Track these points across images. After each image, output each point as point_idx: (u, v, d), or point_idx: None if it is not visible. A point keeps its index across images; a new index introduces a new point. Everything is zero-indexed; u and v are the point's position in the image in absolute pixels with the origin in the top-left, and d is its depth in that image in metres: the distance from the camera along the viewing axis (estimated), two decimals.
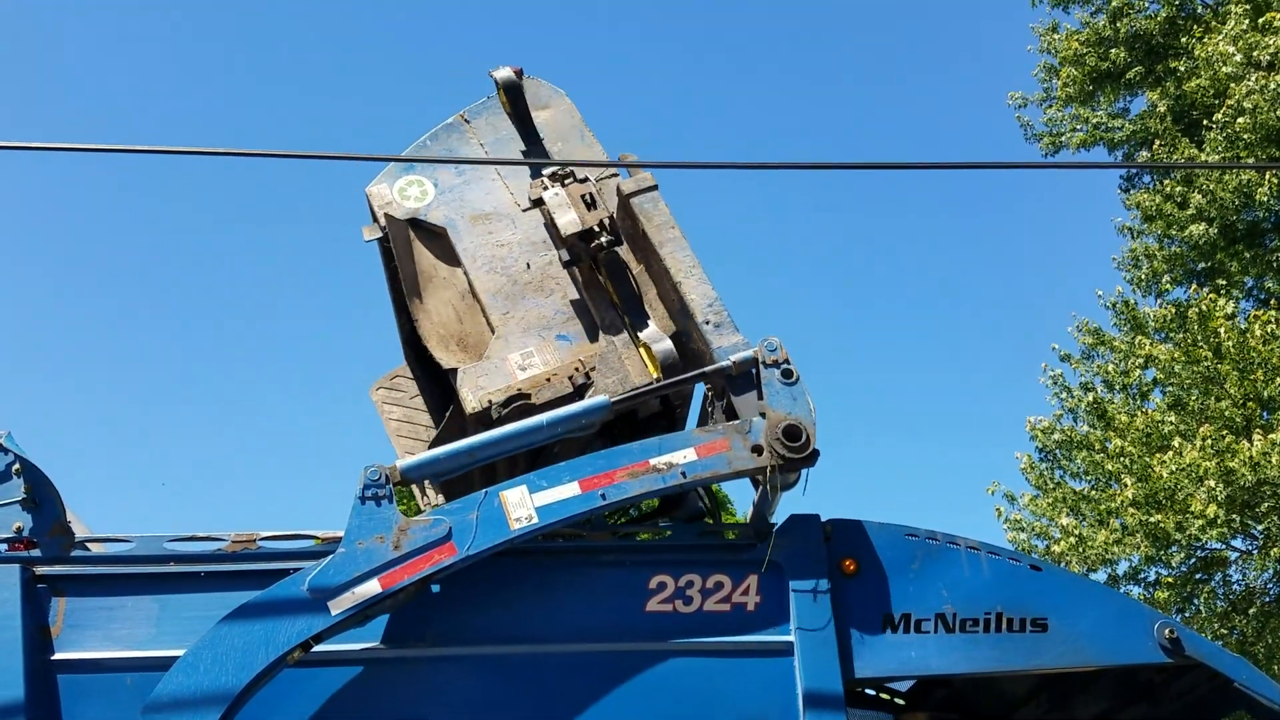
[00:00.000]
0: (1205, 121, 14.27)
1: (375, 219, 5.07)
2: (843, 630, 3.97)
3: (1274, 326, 12.85)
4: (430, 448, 4.59)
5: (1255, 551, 13.57)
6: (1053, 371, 15.58)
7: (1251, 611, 14.11)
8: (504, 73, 5.16)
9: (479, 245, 4.94)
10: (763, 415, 4.13)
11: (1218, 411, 12.89)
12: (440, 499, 4.97)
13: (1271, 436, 12.04)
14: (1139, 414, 13.92)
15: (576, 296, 4.81)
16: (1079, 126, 17.41)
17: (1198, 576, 14.35)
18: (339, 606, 3.71)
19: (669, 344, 4.48)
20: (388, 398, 5.58)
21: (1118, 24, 16.42)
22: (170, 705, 3.61)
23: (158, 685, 3.65)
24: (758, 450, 4.07)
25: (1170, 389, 14.06)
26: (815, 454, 4.08)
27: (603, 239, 4.65)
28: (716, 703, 3.93)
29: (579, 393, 4.48)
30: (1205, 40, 14.33)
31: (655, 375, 4.46)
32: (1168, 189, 15.06)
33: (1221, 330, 12.89)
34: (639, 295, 4.77)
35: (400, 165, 5.13)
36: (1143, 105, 16.92)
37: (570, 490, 3.96)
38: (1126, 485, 12.96)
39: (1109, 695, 4.86)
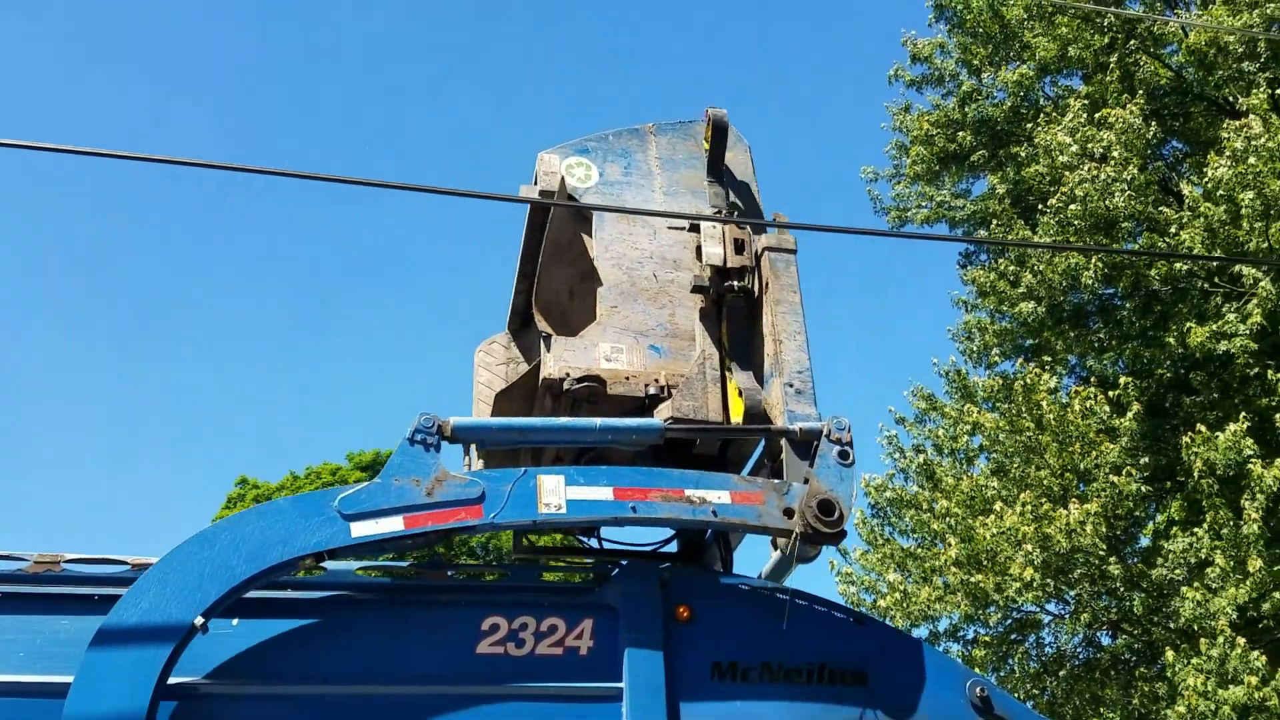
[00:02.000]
0: (1040, 206, 15.18)
1: (535, 181, 5.18)
2: (672, 678, 3.98)
3: (1092, 403, 13.70)
4: (493, 408, 4.96)
5: (1067, 616, 14.31)
6: (889, 432, 16.21)
7: (1062, 674, 14.85)
8: (719, 112, 5.39)
9: (615, 240, 5.09)
10: (805, 482, 4.27)
11: (1037, 480, 13.63)
12: (480, 466, 4.93)
13: (1086, 506, 12.79)
14: (965, 477, 14.60)
15: (685, 318, 4.97)
16: (924, 203, 18.30)
17: (1013, 637, 15.04)
18: (360, 530, 3.81)
19: (760, 395, 4.63)
20: (482, 360, 5.61)
21: (966, 109, 17.38)
22: (178, 570, 3.67)
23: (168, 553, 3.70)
24: (789, 513, 4.21)
25: (995, 455, 14.81)
26: (843, 534, 4.26)
27: (735, 283, 4.88)
28: None
29: (649, 402, 4.64)
30: (1045, 130, 15.28)
31: (734, 419, 4.60)
32: (1002, 267, 15.94)
33: (1044, 403, 13.67)
34: (748, 342, 4.91)
35: (575, 144, 5.31)
36: (984, 187, 17.94)
37: (604, 494, 4.07)
38: (950, 545, 13.51)
39: None
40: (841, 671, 4.23)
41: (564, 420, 4.42)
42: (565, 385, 4.58)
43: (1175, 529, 13.31)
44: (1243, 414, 12.86)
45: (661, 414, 4.57)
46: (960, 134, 17.29)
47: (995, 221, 16.21)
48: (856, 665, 4.25)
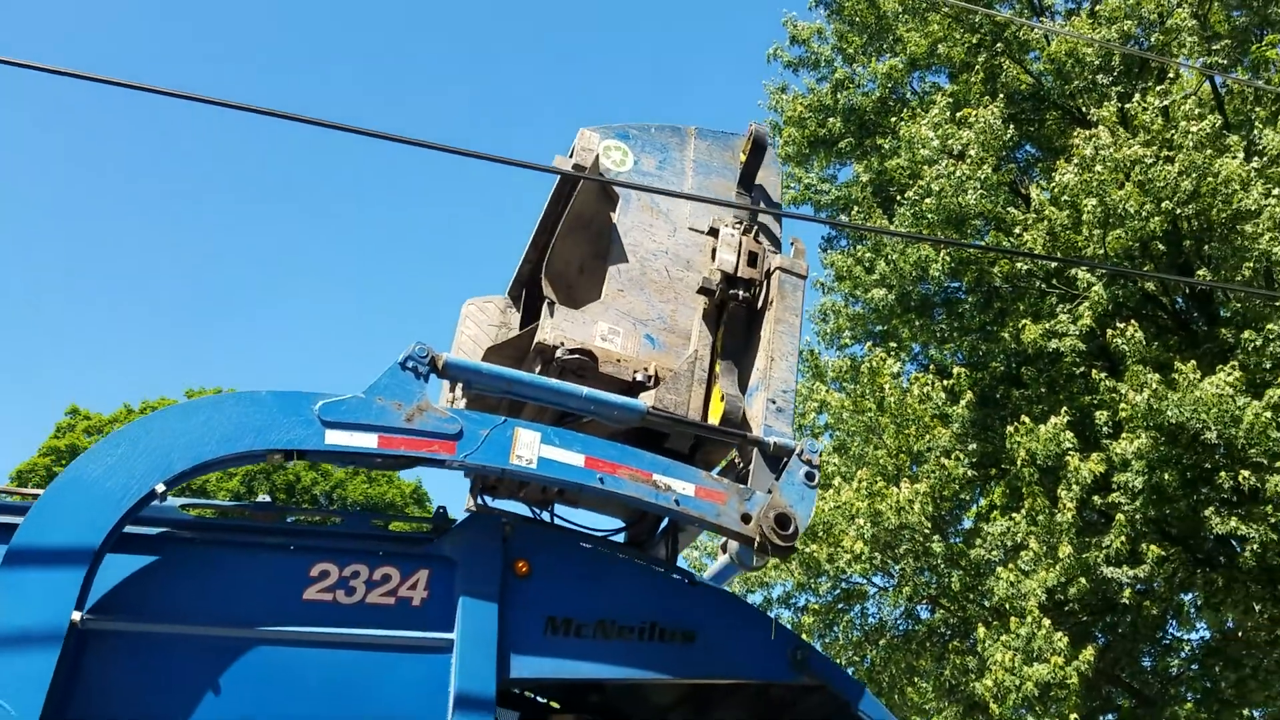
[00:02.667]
0: (899, 197, 15.70)
1: (571, 154, 5.27)
2: (505, 631, 3.99)
3: (929, 390, 14.32)
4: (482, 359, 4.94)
5: (891, 589, 15.00)
6: None
7: (881, 643, 15.59)
8: (761, 129, 5.57)
9: (636, 228, 5.17)
10: (768, 493, 4.39)
11: (875, 459, 14.20)
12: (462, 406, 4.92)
13: (916, 486, 13.39)
14: None
15: (685, 317, 5.07)
16: (792, 184, 18.68)
17: (840, 606, 15.69)
18: (333, 439, 3.88)
19: (741, 403, 4.72)
20: (471, 314, 5.58)
21: (838, 95, 17.76)
22: (155, 433, 3.74)
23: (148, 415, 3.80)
24: (746, 519, 4.34)
25: (838, 433, 15.35)
26: (793, 549, 4.37)
27: (742, 293, 5.00)
28: (366, 697, 3.83)
29: (634, 388, 4.71)
30: (909, 124, 15.77)
31: (711, 421, 4.69)
32: (859, 254, 16.44)
33: (886, 387, 14.21)
34: (741, 352, 5.01)
35: (617, 129, 5.39)
36: (850, 174, 18.43)
37: (575, 459, 4.16)
38: None
39: (744, 708, 5.16)
40: (672, 630, 4.32)
41: (553, 381, 4.45)
42: (558, 353, 4.64)
43: (995, 513, 14.09)
44: (1065, 409, 13.67)
45: (644, 401, 4.61)
46: (831, 120, 17.66)
47: (856, 209, 16.68)
48: (687, 624, 4.35)
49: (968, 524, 15.80)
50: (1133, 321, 13.67)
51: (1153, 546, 12.81)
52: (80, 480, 3.65)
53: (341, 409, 3.94)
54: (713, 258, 5.11)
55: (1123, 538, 12.67)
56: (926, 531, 13.75)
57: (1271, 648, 13.39)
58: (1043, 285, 15.12)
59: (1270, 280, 13.89)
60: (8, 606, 3.41)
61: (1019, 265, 14.94)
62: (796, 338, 5.02)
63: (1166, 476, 12.92)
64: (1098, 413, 13.68)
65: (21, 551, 3.49)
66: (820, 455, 4.65)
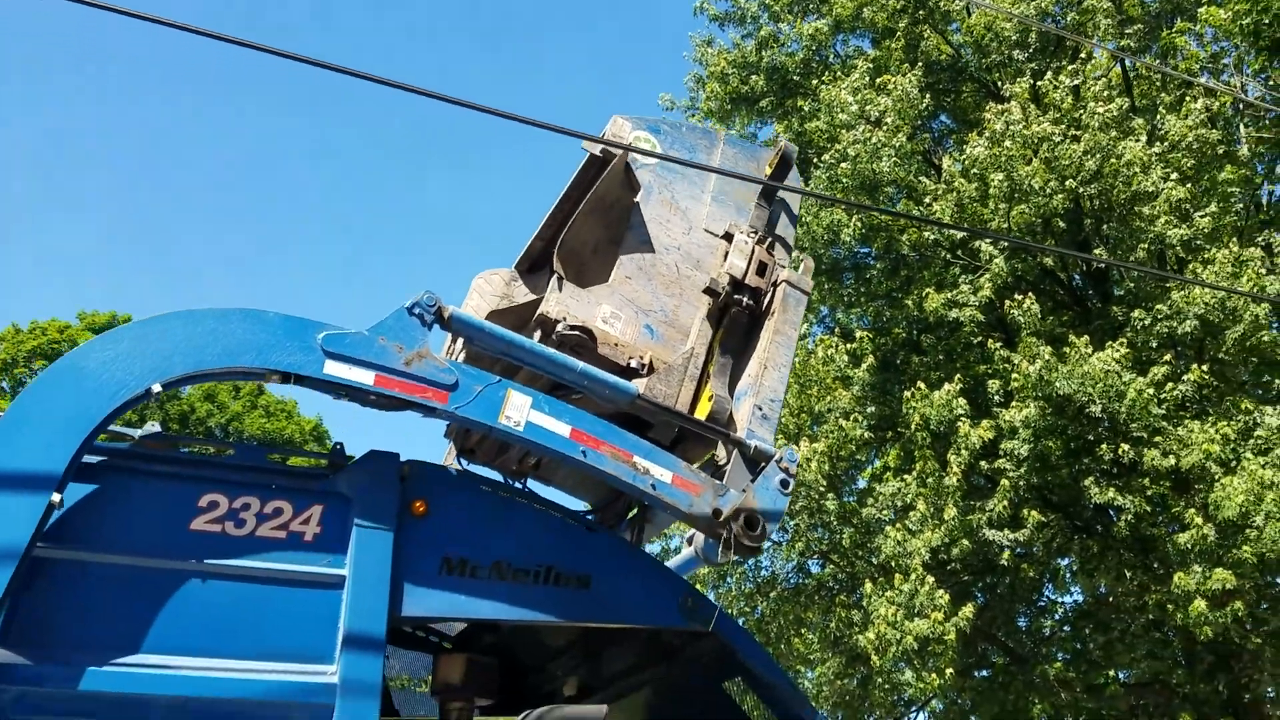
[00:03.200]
0: (815, 160, 15.84)
1: (601, 139, 5.34)
2: (399, 570, 3.96)
3: (833, 352, 14.59)
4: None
5: (784, 543, 15.36)
6: None
7: (772, 595, 15.99)
8: (790, 147, 5.73)
9: (652, 220, 5.26)
10: (742, 493, 4.50)
11: None
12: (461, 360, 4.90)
13: (815, 445, 13.69)
14: None
15: (687, 314, 5.16)
16: None
17: (735, 558, 15.99)
18: (332, 369, 3.94)
19: (729, 404, 4.85)
20: (479, 286, 5.52)
21: (762, 53, 17.76)
22: (158, 334, 3.76)
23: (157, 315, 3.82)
24: (717, 514, 4.47)
25: None
26: (758, 550, 4.51)
27: (746, 299, 5.11)
28: (256, 630, 3.77)
29: (626, 373, 4.77)
30: (830, 87, 15.87)
31: (700, 410, 4.80)
32: None
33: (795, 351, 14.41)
34: (736, 356, 5.11)
35: (650, 121, 5.51)
36: (769, 133, 18.47)
37: (562, 429, 4.25)
38: None
39: (635, 653, 5.26)
40: (568, 574, 4.35)
41: (551, 350, 4.51)
42: (559, 327, 4.72)
43: (889, 474, 14.50)
44: (960, 377, 14.08)
45: (636, 386, 4.68)
46: (754, 78, 17.66)
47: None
48: (582, 570, 4.39)
49: (862, 484, 16.22)
50: (1030, 295, 14.10)
51: (1034, 512, 13.36)
52: (79, 368, 3.65)
53: (344, 342, 4.00)
54: (723, 261, 5.23)
55: (1006, 502, 13.17)
56: (822, 489, 14.10)
57: (1139, 613, 14.11)
58: (948, 256, 15.47)
59: (1163, 262, 14.45)
60: None
61: (926, 234, 15.25)
62: (792, 351, 5.15)
63: (1051, 445, 13.45)
64: (990, 382, 14.12)
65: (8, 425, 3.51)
66: (797, 465, 4.69)
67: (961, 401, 13.48)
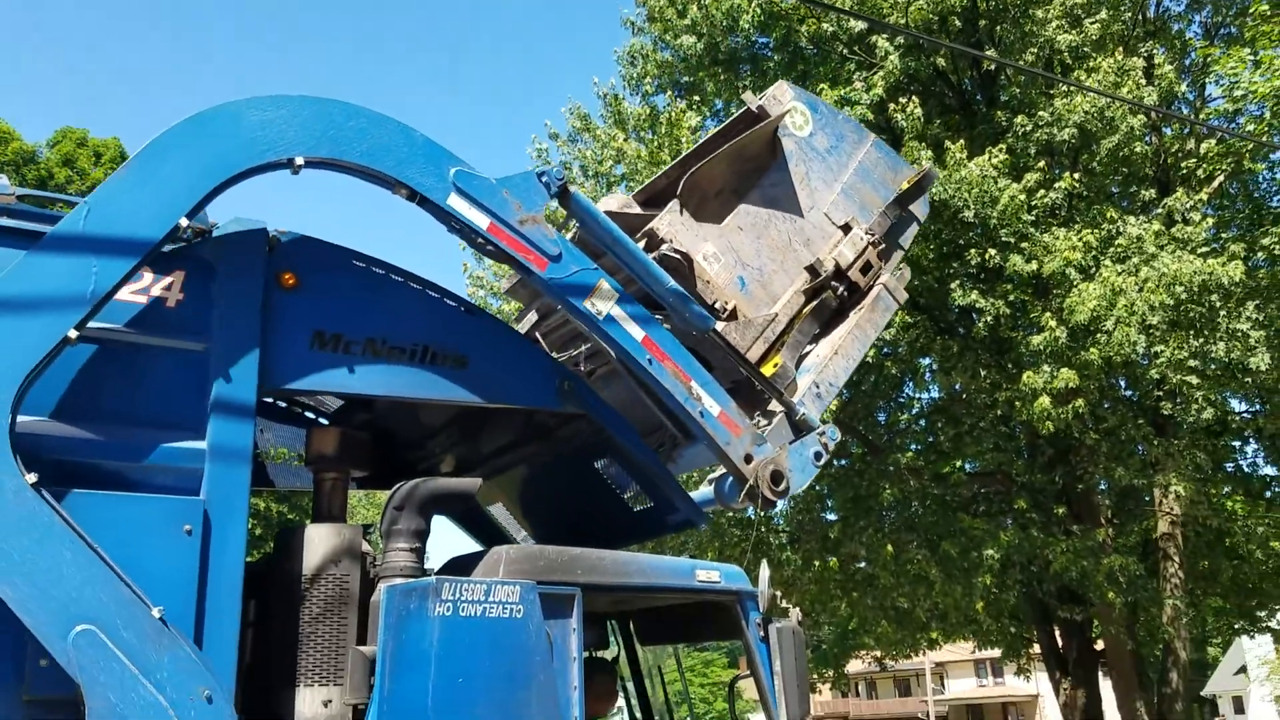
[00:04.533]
0: None
1: (760, 93, 5.71)
2: (267, 340, 3.90)
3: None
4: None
5: None
6: (540, 144, 16.21)
7: None
8: (934, 171, 6.26)
9: (780, 185, 5.54)
10: (777, 450, 4.70)
11: None
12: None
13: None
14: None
15: (781, 283, 5.39)
16: None
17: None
18: (453, 203, 4.13)
19: (792, 374, 5.13)
20: (600, 204, 5.56)
21: None
22: (301, 111, 3.89)
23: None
24: (748, 460, 4.65)
25: (632, 185, 15.39)
26: (773, 505, 4.73)
27: (842, 288, 5.44)
28: (119, 394, 3.71)
29: (709, 311, 4.92)
30: None
31: (764, 371, 5.02)
32: None
33: (684, 140, 14.24)
34: (813, 336, 5.40)
35: (809, 96, 5.81)
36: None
37: (635, 332, 4.44)
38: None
39: (511, 433, 5.38)
40: (444, 354, 4.36)
41: (650, 260, 4.67)
42: (663, 246, 4.95)
43: None
44: None
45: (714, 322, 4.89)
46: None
47: None
48: (460, 350, 4.40)
49: None
50: (914, 99, 14.13)
51: (901, 314, 13.85)
52: (237, 116, 3.77)
53: (472, 182, 4.19)
54: (833, 248, 5.52)
55: None
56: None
57: (989, 409, 15.02)
58: (844, 51, 15.27)
59: (1051, 67, 14.58)
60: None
61: (825, 26, 14.97)
62: (865, 349, 5.49)
63: (922, 250, 13.84)
64: None
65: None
66: (834, 444, 5.02)
67: None
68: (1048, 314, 13.05)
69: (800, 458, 4.91)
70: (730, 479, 4.84)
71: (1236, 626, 21.69)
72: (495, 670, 3.71)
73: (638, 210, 5.64)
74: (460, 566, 4.31)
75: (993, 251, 13.34)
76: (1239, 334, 12.52)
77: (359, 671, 3.84)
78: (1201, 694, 50.20)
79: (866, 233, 5.64)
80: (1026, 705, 62.07)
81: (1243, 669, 48.97)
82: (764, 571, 5.16)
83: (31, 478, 3.21)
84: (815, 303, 5.42)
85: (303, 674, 3.89)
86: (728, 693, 6.50)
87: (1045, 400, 12.49)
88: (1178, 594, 16.64)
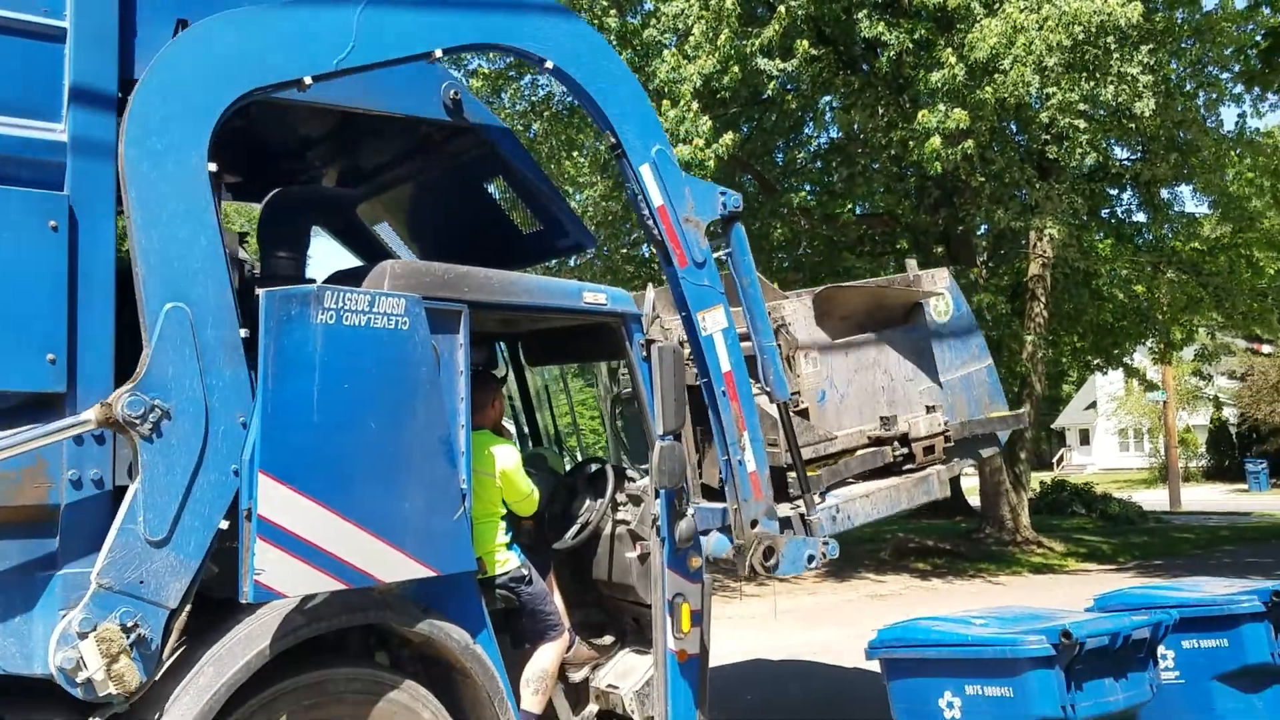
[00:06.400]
0: None
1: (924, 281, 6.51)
2: (126, 28, 3.60)
3: None
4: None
5: None
6: None
7: (546, 115, 16.03)
8: (1023, 419, 6.97)
9: (896, 346, 6.16)
10: (782, 534, 4.82)
11: None
12: None
13: None
14: None
15: (852, 419, 5.87)
16: None
17: (510, 74, 15.77)
18: (643, 172, 4.48)
19: (822, 487, 5.48)
20: None
21: None
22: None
23: None
24: (753, 524, 4.72)
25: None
26: (753, 573, 4.76)
27: (900, 454, 5.96)
28: None
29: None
30: None
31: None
32: None
33: None
34: (856, 475, 5.80)
35: (959, 292, 6.56)
36: None
37: (724, 364, 4.67)
38: None
39: (395, 146, 5.18)
40: None
41: (765, 312, 5.01)
42: (780, 318, 5.57)
43: None
44: None
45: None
46: None
47: None
48: None
49: (649, 5, 15.82)
50: None
51: (805, 43, 13.55)
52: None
53: (667, 164, 4.53)
54: (906, 418, 5.90)
55: (779, 29, 13.23)
56: (604, 6, 13.67)
57: (882, 150, 15.13)
58: None
59: None
60: None
61: None
62: (890, 512, 5.75)
63: None
64: None
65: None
66: (830, 557, 5.06)
67: None
68: (949, 50, 12.93)
69: (796, 550, 4.93)
70: (722, 536, 4.87)
71: (1094, 364, 23.27)
72: (380, 380, 3.72)
73: (774, 287, 6.06)
74: (344, 279, 4.25)
75: None
76: (1129, 78, 12.67)
77: None
78: (1052, 426, 54.66)
79: (945, 424, 6.01)
80: None
81: (1093, 405, 53.25)
82: (649, 294, 5.25)
83: None
84: (872, 450, 5.77)
85: None
86: (610, 409, 6.77)
87: (936, 140, 12.61)
88: (1040, 332, 17.70)
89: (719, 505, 4.99)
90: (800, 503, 5.18)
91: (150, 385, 3.35)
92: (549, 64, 4.26)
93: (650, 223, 4.54)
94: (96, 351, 3.42)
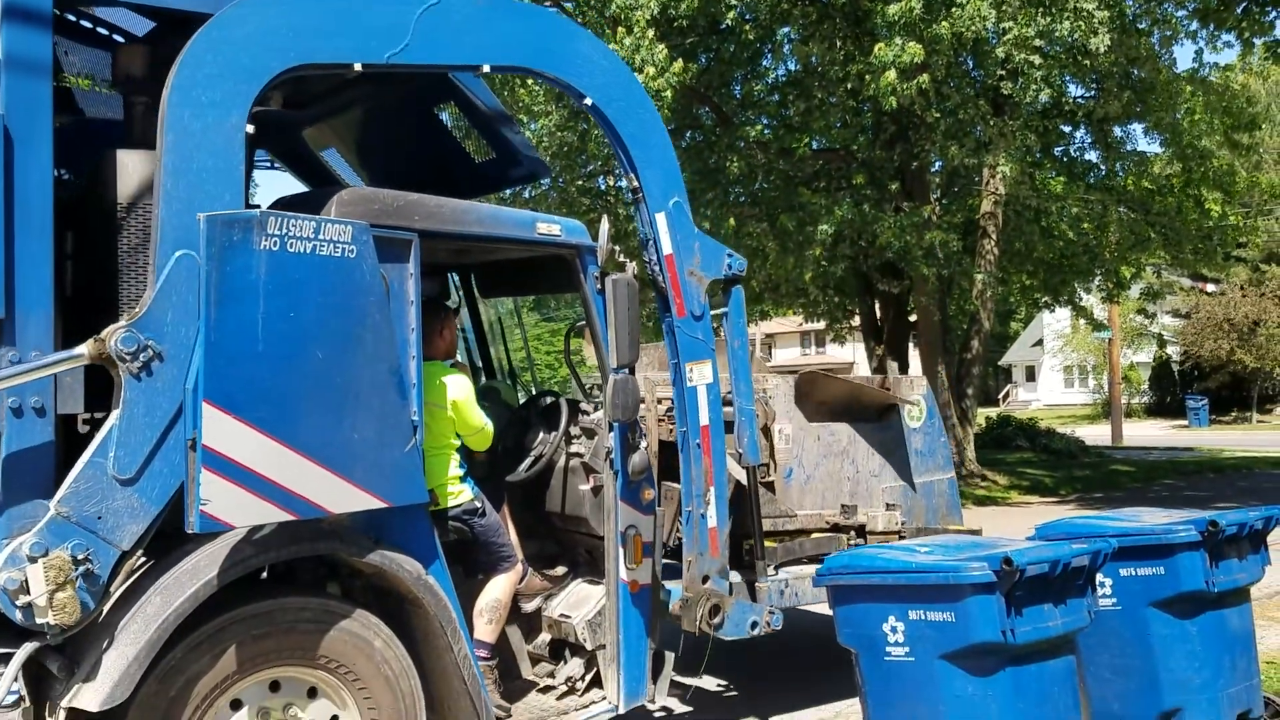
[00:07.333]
0: None
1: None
2: None
3: None
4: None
5: None
6: None
7: None
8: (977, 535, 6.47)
9: (868, 440, 6.39)
10: (732, 594, 5.03)
11: None
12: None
13: None
14: None
15: (815, 502, 6.11)
16: None
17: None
18: (657, 220, 4.69)
19: (779, 561, 5.68)
20: None
21: None
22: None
23: None
24: (705, 579, 4.88)
25: None
26: (693, 630, 4.91)
27: (856, 542, 6.05)
28: None
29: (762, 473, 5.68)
30: None
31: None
32: None
33: None
34: (813, 559, 5.83)
35: (934, 403, 6.85)
36: None
37: (703, 416, 4.82)
38: None
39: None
40: None
41: (751, 378, 5.31)
42: (765, 388, 5.94)
43: None
44: None
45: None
46: None
47: None
48: None
49: None
50: None
51: None
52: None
53: (681, 217, 4.73)
54: (871, 511, 6.17)
55: None
56: None
57: (839, 84, 15.02)
58: None
59: None
60: None
61: None
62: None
63: None
64: None
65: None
66: (774, 628, 5.22)
67: None
68: None
69: (741, 613, 5.06)
70: (674, 590, 4.93)
71: (1042, 302, 23.57)
72: (326, 309, 3.65)
73: (761, 359, 6.44)
74: (290, 205, 4.15)
75: None
76: (1084, 13, 12.66)
77: None
78: (999, 363, 55.57)
79: (902, 525, 6.09)
80: (842, 370, 67.58)
81: (1039, 342, 54.19)
82: (604, 226, 5.20)
83: None
84: (829, 535, 5.89)
85: (125, 306, 3.77)
86: (564, 341, 6.75)
87: (892, 74, 12.54)
88: (990, 269, 17.87)
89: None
90: (752, 572, 5.35)
91: (147, 325, 3.36)
92: (588, 100, 4.43)
93: (656, 269, 4.69)
94: (35, 276, 3.33)
